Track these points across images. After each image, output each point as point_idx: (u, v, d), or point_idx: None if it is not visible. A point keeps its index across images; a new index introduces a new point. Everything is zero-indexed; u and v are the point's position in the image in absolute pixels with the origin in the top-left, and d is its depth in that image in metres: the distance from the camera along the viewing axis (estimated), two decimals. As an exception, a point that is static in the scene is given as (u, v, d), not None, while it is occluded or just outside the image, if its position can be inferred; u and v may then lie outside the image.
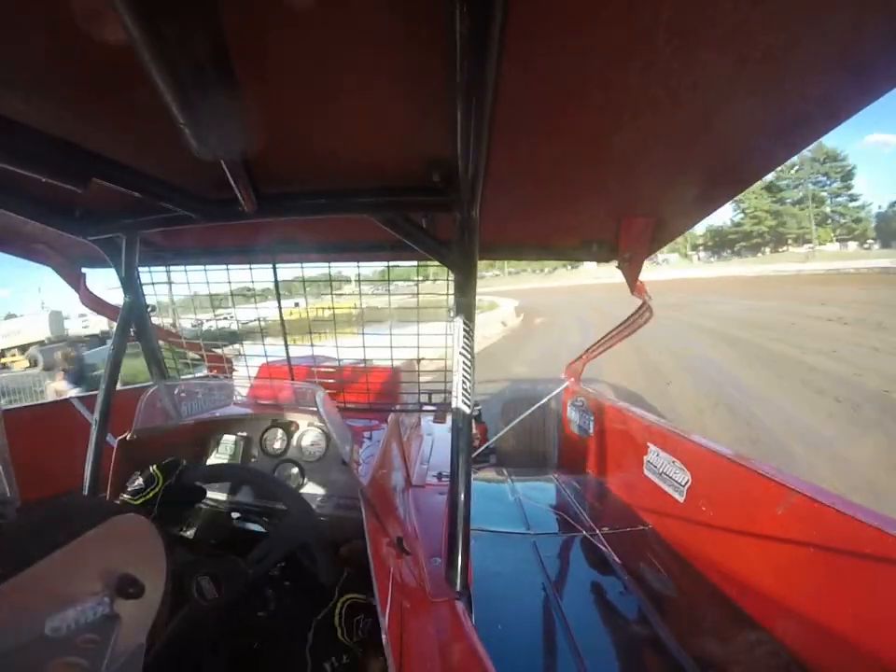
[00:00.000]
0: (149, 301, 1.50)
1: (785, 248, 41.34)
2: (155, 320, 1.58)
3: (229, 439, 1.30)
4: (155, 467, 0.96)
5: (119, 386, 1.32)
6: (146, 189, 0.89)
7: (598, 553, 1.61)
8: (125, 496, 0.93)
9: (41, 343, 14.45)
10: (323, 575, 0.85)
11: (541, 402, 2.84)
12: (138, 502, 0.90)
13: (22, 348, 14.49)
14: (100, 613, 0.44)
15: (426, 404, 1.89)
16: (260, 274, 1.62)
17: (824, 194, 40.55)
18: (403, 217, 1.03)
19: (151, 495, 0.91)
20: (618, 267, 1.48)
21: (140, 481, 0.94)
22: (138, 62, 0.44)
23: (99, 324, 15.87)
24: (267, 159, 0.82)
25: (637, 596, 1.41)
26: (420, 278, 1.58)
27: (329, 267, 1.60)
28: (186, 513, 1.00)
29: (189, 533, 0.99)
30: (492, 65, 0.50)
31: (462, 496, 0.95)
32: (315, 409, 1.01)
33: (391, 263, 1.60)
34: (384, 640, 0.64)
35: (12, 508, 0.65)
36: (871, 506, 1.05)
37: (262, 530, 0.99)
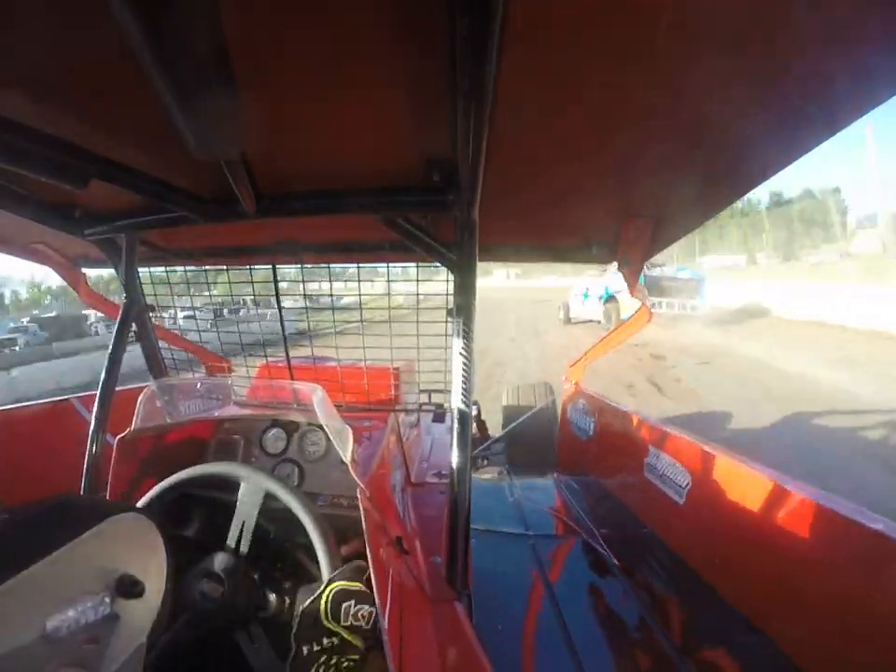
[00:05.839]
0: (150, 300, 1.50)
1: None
2: (156, 321, 1.58)
3: (228, 438, 1.30)
4: None
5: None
6: (145, 190, 0.89)
7: (597, 555, 1.60)
8: None
9: None
10: (315, 535, 0.84)
11: (539, 407, 2.85)
12: None
13: None
14: (100, 613, 0.44)
15: (426, 404, 1.89)
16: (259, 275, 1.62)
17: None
18: (403, 217, 1.03)
19: None
20: (618, 269, 1.49)
21: None
22: (138, 61, 0.44)
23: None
24: (267, 159, 0.82)
25: (635, 599, 1.40)
26: (420, 278, 1.58)
27: (329, 267, 1.60)
28: (184, 513, 1.00)
29: (189, 532, 0.99)
30: (492, 66, 0.50)
31: (462, 495, 0.95)
32: (314, 409, 1.01)
33: (391, 263, 1.60)
34: (384, 640, 0.64)
35: None
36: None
37: (262, 528, 0.99)
